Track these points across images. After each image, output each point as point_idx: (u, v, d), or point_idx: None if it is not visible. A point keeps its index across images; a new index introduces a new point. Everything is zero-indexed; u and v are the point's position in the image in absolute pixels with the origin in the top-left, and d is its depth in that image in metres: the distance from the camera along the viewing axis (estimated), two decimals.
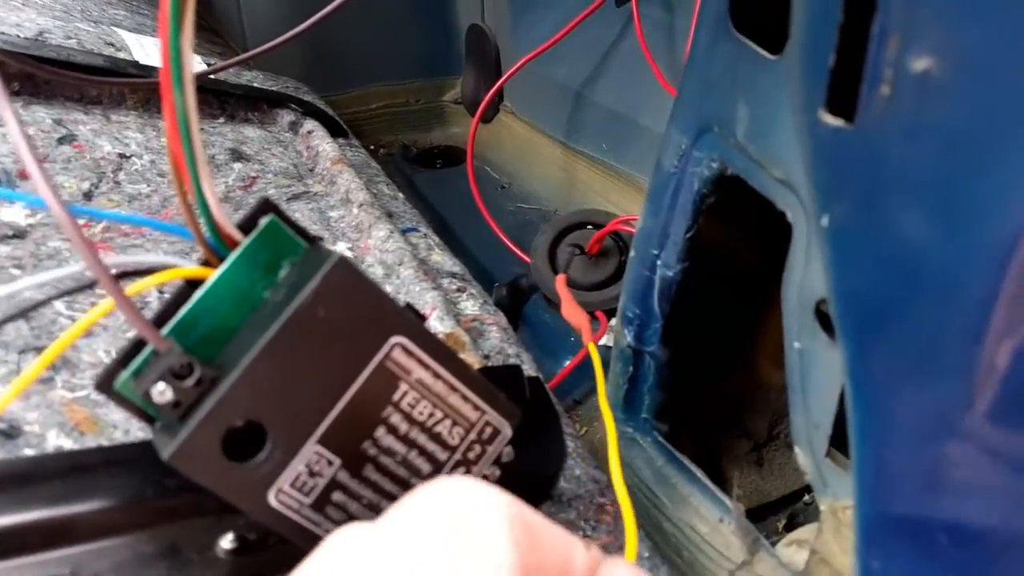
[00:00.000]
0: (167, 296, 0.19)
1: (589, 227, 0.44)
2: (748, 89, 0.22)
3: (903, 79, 0.14)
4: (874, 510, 0.17)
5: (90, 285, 0.23)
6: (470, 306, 0.35)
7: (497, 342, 0.33)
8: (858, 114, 0.15)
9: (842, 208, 0.16)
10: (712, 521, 0.27)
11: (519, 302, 0.44)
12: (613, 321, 0.37)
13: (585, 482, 0.28)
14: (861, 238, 0.16)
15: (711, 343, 0.30)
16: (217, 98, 0.46)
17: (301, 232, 0.18)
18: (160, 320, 0.17)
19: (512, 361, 0.32)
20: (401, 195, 0.44)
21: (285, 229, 0.18)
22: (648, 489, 0.30)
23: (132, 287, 0.18)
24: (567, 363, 0.38)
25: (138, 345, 0.17)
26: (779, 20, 0.18)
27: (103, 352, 0.27)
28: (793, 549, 0.25)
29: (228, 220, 0.18)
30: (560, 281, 0.36)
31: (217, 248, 0.18)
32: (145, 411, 0.17)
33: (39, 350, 0.26)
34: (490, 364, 0.32)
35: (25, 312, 0.22)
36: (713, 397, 0.32)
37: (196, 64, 0.49)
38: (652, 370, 0.29)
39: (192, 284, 0.18)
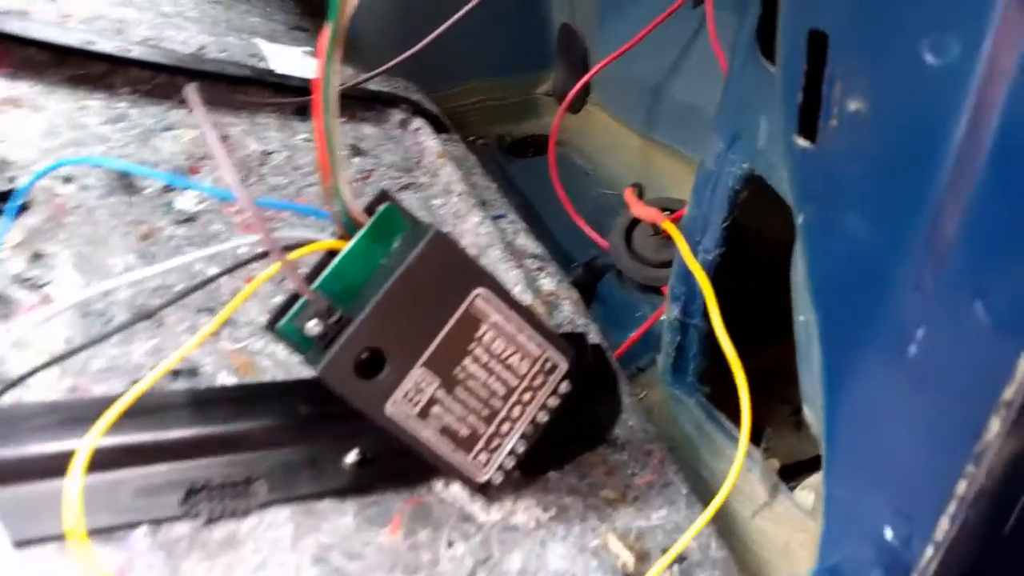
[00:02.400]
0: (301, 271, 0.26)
1: (665, 212, 0.49)
2: (768, 106, 0.26)
3: (844, 114, 0.18)
4: (834, 445, 0.21)
5: (247, 262, 0.30)
6: (548, 283, 0.41)
7: (569, 315, 0.39)
8: (818, 138, 0.20)
9: (810, 210, 0.21)
10: (742, 470, 0.32)
11: (594, 280, 0.49)
12: None
13: (637, 432, 0.33)
14: (822, 233, 0.20)
15: (748, 318, 0.34)
16: (343, 103, 0.54)
17: (409, 215, 0.25)
18: (309, 280, 0.24)
19: (581, 331, 0.38)
20: (494, 185, 0.50)
21: (398, 213, 0.24)
22: (690, 442, 0.35)
23: (292, 255, 0.25)
24: (632, 335, 0.43)
25: (294, 298, 0.24)
26: None
27: (255, 313, 0.35)
28: (806, 493, 0.30)
29: (356, 205, 0.24)
30: (628, 192, 0.41)
31: (348, 227, 0.24)
32: (298, 346, 0.24)
33: (211, 311, 0.34)
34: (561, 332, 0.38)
35: (202, 284, 0.30)
36: (754, 366, 0.36)
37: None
38: (696, 340, 0.34)
39: (330, 254, 0.25)
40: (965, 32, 0.14)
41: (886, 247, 0.18)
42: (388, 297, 0.24)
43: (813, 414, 0.27)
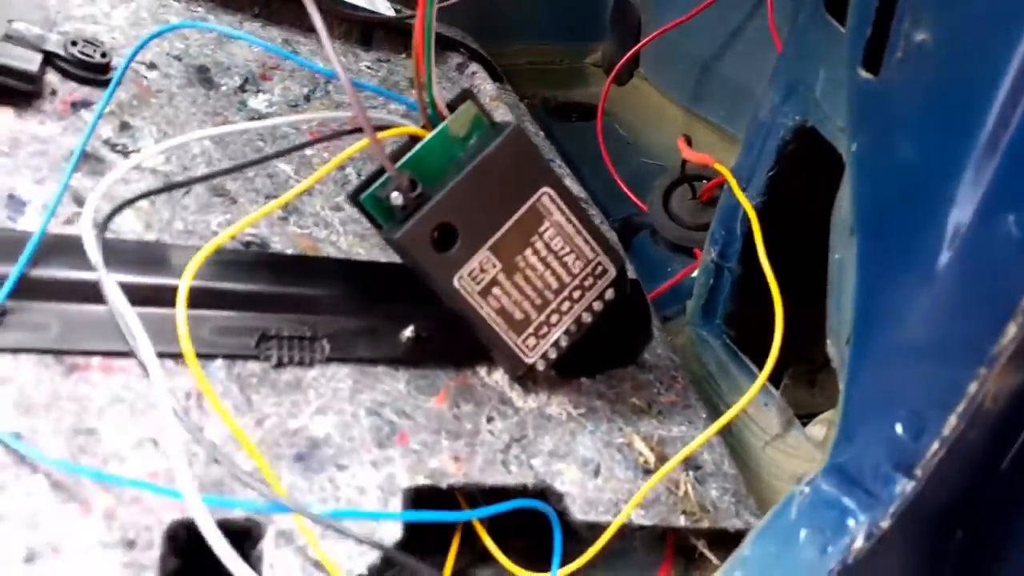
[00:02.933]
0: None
1: (704, 181, 0.51)
2: (828, 57, 0.29)
3: (909, 46, 0.21)
4: (858, 351, 0.24)
5: (333, 135, 0.33)
6: None
7: None
8: (881, 70, 0.22)
9: (865, 137, 0.23)
10: (758, 404, 0.35)
11: (629, 236, 0.52)
12: None
13: (664, 358, 0.36)
14: (874, 159, 0.23)
15: (782, 270, 0.37)
16: (402, 38, 0.56)
17: (487, 113, 0.27)
18: (393, 160, 0.27)
19: None
20: (542, 133, 0.53)
21: (478, 110, 0.27)
22: (712, 378, 0.37)
23: (381, 134, 0.27)
24: (663, 286, 0.46)
25: (378, 174, 0.27)
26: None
27: (319, 207, 0.37)
28: (819, 427, 0.33)
29: (442, 99, 0.27)
30: (680, 139, 0.44)
31: (433, 117, 0.27)
32: (378, 217, 0.27)
33: (277, 197, 0.37)
34: None
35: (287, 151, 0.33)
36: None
37: (385, 7, 0.59)
38: (728, 283, 0.37)
39: (414, 139, 0.27)
40: None
41: (934, 171, 0.21)
42: (466, 180, 0.26)
43: (836, 349, 0.29)
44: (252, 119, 0.42)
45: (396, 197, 0.26)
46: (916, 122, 0.21)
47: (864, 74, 0.23)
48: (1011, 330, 0.20)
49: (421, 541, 0.26)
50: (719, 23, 0.56)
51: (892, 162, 0.22)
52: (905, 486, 0.22)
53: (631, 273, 0.41)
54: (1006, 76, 0.19)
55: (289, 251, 0.34)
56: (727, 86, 0.55)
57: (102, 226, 0.27)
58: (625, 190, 0.55)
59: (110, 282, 0.24)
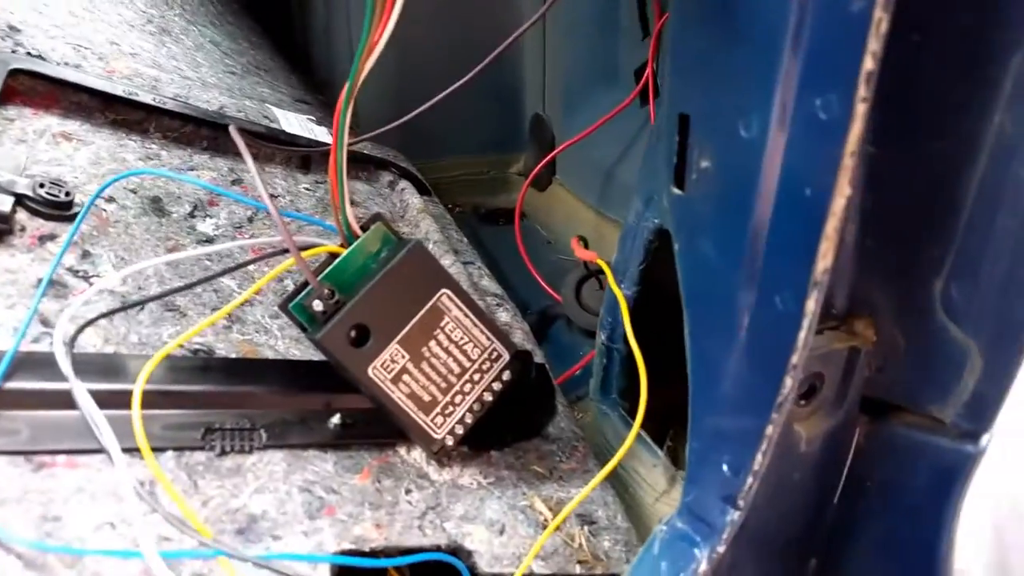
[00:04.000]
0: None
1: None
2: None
3: (698, 170, 0.28)
4: (694, 408, 0.30)
5: (266, 255, 0.39)
6: (504, 316, 0.50)
7: (520, 341, 0.48)
8: (685, 188, 0.29)
9: (681, 239, 0.30)
10: (648, 464, 0.40)
11: (547, 325, 0.58)
12: None
13: (567, 431, 0.42)
14: (688, 255, 0.30)
15: (661, 347, 0.43)
16: None
17: (395, 231, 0.34)
18: (316, 274, 0.33)
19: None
20: (466, 240, 0.60)
21: (387, 228, 0.33)
22: (611, 446, 0.43)
23: (306, 253, 0.33)
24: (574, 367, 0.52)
25: (302, 287, 0.33)
26: None
27: (259, 316, 0.43)
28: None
29: (355, 222, 0.33)
30: (574, 240, 0.51)
31: (348, 236, 0.33)
32: (303, 322, 0.33)
33: (219, 308, 0.42)
34: None
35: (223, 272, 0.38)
36: (660, 392, 0.45)
37: (324, 135, 0.67)
38: (618, 362, 0.43)
39: (333, 256, 0.33)
40: (758, 116, 0.24)
41: (725, 261, 0.28)
42: (376, 287, 0.32)
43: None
44: (201, 242, 0.48)
45: (318, 304, 0.32)
46: (710, 225, 0.28)
47: (675, 190, 0.30)
48: (787, 382, 0.26)
49: None
50: (619, 135, 0.65)
51: (699, 257, 0.29)
52: (732, 515, 0.28)
53: (539, 357, 0.47)
54: (757, 191, 0.25)
55: (232, 355, 0.39)
56: (627, 189, 0.63)
57: (70, 343, 0.32)
58: (543, 284, 0.61)
59: (81, 389, 0.29)
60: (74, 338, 0.33)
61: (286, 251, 0.35)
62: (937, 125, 0.25)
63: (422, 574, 0.33)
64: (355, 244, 0.33)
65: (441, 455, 0.35)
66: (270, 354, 0.40)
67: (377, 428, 0.35)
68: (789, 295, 0.25)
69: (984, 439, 0.27)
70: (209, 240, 0.48)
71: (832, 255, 0.23)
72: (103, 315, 0.34)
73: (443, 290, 0.33)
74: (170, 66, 0.71)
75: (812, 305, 0.24)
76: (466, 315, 0.34)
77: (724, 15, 0.26)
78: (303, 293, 0.33)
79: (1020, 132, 0.23)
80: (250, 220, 0.53)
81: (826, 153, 0.22)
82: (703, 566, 0.28)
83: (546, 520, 0.35)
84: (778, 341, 0.26)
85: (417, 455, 0.36)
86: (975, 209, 0.24)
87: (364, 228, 0.34)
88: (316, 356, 0.39)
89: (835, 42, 0.22)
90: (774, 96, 0.24)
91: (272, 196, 0.56)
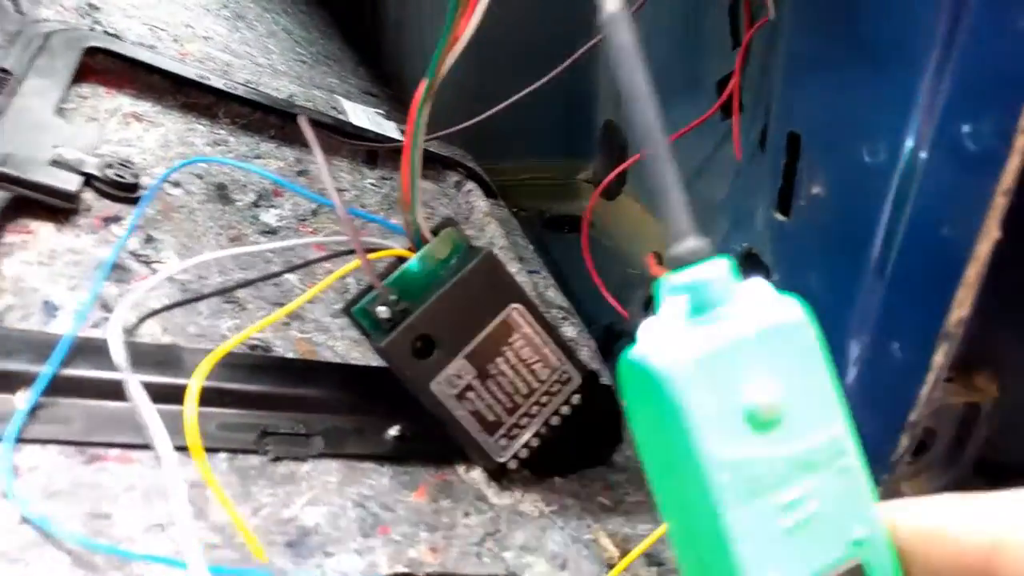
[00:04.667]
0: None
1: None
2: (764, 197, 0.34)
3: (808, 196, 0.26)
4: None
5: (330, 256, 0.38)
6: (570, 331, 0.48)
7: (586, 359, 0.46)
8: (791, 213, 0.27)
9: (782, 270, 0.28)
10: None
11: (612, 341, 0.56)
12: None
13: (634, 462, 0.40)
14: (787, 290, 0.27)
15: None
16: None
17: (466, 238, 0.32)
18: (381, 278, 0.31)
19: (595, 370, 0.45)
20: (532, 246, 0.58)
21: (458, 234, 0.32)
22: None
23: (372, 256, 0.32)
24: None
25: (367, 290, 0.31)
26: None
27: (319, 314, 0.42)
28: None
29: (426, 225, 0.32)
30: (650, 256, 0.48)
31: (417, 240, 0.32)
32: (365, 328, 0.31)
33: (283, 305, 0.41)
34: None
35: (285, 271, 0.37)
36: None
37: (392, 130, 0.66)
38: None
39: (400, 259, 0.32)
40: (889, 141, 0.22)
41: (834, 300, 0.25)
42: (444, 297, 0.31)
43: None
44: (263, 232, 0.47)
45: (383, 311, 0.30)
46: (818, 259, 0.26)
47: (779, 216, 0.28)
48: (903, 441, 0.24)
49: None
50: (696, 148, 0.62)
51: (802, 292, 0.27)
52: None
53: (606, 379, 0.45)
54: (879, 223, 0.23)
55: (290, 354, 0.38)
56: (701, 204, 0.61)
57: (129, 332, 0.31)
58: (609, 298, 0.59)
59: (134, 382, 0.28)
60: (134, 328, 0.32)
61: (352, 251, 0.34)
62: None
63: None
64: (424, 249, 0.32)
65: (503, 476, 0.33)
66: (328, 355, 0.39)
67: (437, 444, 0.34)
68: (910, 344, 0.23)
69: None
70: (272, 231, 0.48)
71: (970, 304, 0.21)
72: (166, 307, 0.33)
73: (514, 304, 0.32)
74: (242, 51, 0.71)
75: (940, 358, 0.21)
76: (537, 332, 0.32)
77: (852, 21, 0.24)
78: (368, 297, 0.31)
79: None
80: (314, 213, 0.52)
81: (972, 189, 0.20)
82: None
83: (611, 558, 0.33)
84: (893, 394, 0.24)
85: (476, 474, 0.34)
86: None
87: (434, 232, 0.32)
88: (376, 362, 0.38)
89: (995, 61, 0.20)
90: (911, 119, 0.21)
91: (338, 191, 0.55)
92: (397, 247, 0.33)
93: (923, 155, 0.21)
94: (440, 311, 0.31)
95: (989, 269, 0.25)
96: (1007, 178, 0.19)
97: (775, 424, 0.13)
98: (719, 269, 0.14)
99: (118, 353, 0.29)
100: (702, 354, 0.13)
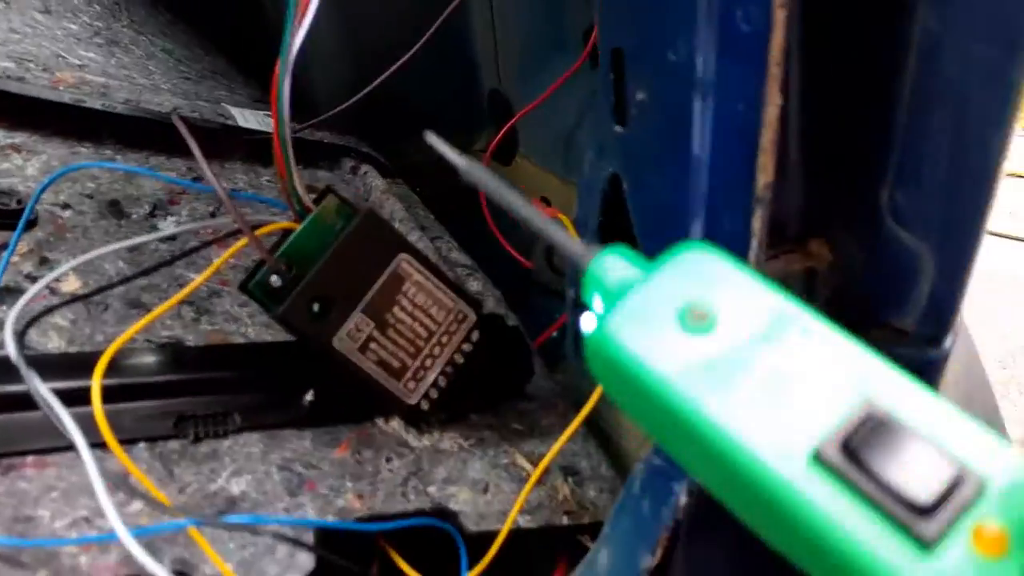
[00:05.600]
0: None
1: None
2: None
3: (636, 103, 0.28)
4: None
5: (222, 237, 0.38)
6: (476, 286, 0.50)
7: (492, 308, 0.47)
8: (627, 124, 0.29)
9: (629, 178, 0.30)
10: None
11: (522, 293, 0.58)
12: None
13: (545, 389, 0.42)
14: (637, 194, 0.29)
15: None
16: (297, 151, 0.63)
17: (348, 202, 0.33)
18: (272, 251, 0.32)
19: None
20: (432, 216, 0.59)
21: (339, 200, 0.33)
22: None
23: (259, 231, 0.33)
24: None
25: (259, 265, 0.32)
26: None
27: (228, 305, 0.42)
28: None
29: (307, 197, 0.33)
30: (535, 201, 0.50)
31: (301, 212, 0.33)
32: (263, 301, 0.32)
33: (191, 304, 0.42)
34: None
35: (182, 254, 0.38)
36: None
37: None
38: None
39: (288, 232, 0.33)
40: (685, 39, 0.24)
41: (673, 192, 0.27)
42: (332, 257, 0.32)
43: None
44: (163, 240, 0.47)
45: (275, 280, 0.31)
46: (654, 158, 0.28)
47: (617, 128, 0.29)
48: None
49: None
50: (575, 100, 0.64)
51: (648, 192, 0.29)
52: None
53: (512, 321, 0.47)
54: (693, 116, 0.25)
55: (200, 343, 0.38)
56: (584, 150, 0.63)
57: (19, 340, 0.31)
58: (513, 253, 0.61)
59: (39, 386, 0.29)
60: (22, 333, 0.32)
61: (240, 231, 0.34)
62: (862, 29, 0.24)
63: (412, 542, 0.33)
64: (308, 218, 0.33)
65: (418, 420, 0.35)
66: (241, 341, 0.39)
67: (352, 403, 0.35)
68: (736, 215, 0.25)
69: (947, 342, 0.27)
70: (172, 238, 0.47)
71: (772, 169, 0.23)
72: (54, 307, 0.33)
73: (401, 255, 0.33)
74: (120, 75, 0.70)
75: (758, 223, 0.24)
76: (427, 278, 0.33)
77: None
78: (261, 272, 0.32)
79: (945, 29, 0.23)
80: (212, 215, 0.52)
81: (752, 64, 0.22)
82: (682, 498, 0.28)
83: (528, 475, 0.35)
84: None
85: (396, 424, 0.36)
86: (910, 112, 0.24)
87: (316, 202, 0.33)
88: (286, 339, 0.39)
89: None
90: (697, 15, 0.23)
91: (234, 190, 0.55)
92: (284, 221, 0.34)
93: (712, 44, 0.23)
94: (330, 271, 0.32)
95: (801, 145, 0.27)
96: (776, 49, 0.21)
97: (710, 325, 0.15)
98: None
99: (17, 359, 0.30)
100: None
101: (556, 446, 0.34)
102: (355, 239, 0.32)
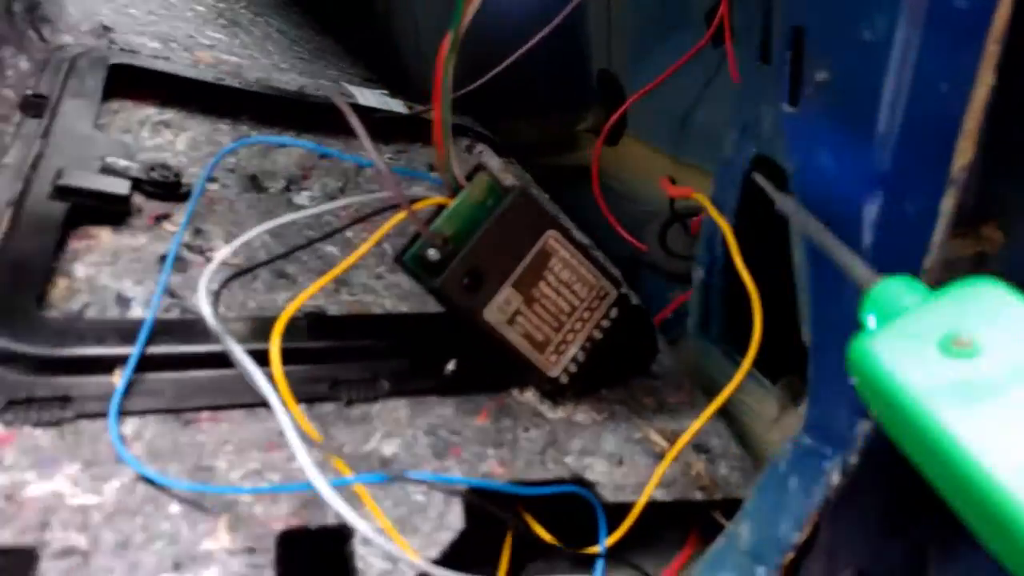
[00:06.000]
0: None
1: (692, 218, 0.57)
2: (767, 98, 0.35)
3: (814, 84, 0.27)
4: (815, 344, 0.29)
5: (375, 212, 0.40)
6: None
7: None
8: (799, 104, 0.28)
9: (796, 159, 0.29)
10: (757, 395, 0.40)
11: (634, 274, 0.58)
12: None
13: (670, 368, 0.41)
14: (804, 174, 0.29)
15: (760, 281, 0.42)
16: (415, 130, 0.64)
17: (497, 180, 0.34)
18: (426, 224, 0.33)
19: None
20: (547, 195, 0.60)
21: (490, 177, 0.33)
22: (716, 384, 0.42)
23: (415, 205, 0.34)
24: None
25: (415, 238, 0.33)
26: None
27: (364, 278, 0.44)
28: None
29: (460, 173, 0.33)
30: (664, 179, 0.50)
31: (454, 188, 0.33)
32: (416, 273, 0.33)
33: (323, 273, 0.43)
34: None
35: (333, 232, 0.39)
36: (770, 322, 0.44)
37: (399, 107, 0.67)
38: (717, 297, 0.42)
39: (440, 208, 0.33)
40: (886, 14, 0.23)
41: (851, 171, 0.27)
42: (487, 233, 0.32)
43: (806, 331, 0.34)
44: (302, 207, 0.49)
45: (432, 253, 0.32)
46: (827, 138, 0.27)
47: (788, 108, 0.29)
48: None
49: (473, 553, 0.31)
50: (691, 80, 0.63)
51: (819, 172, 0.28)
52: (864, 425, 0.27)
53: (635, 300, 0.47)
54: (885, 96, 0.24)
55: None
56: (704, 132, 0.62)
57: (214, 306, 0.33)
58: (625, 235, 0.61)
59: (237, 349, 0.30)
60: (215, 303, 0.34)
61: (387, 208, 0.36)
62: None
63: (545, 510, 0.33)
64: (462, 194, 0.33)
65: (556, 394, 0.35)
66: (378, 312, 0.41)
67: (491, 373, 0.36)
68: (921, 195, 0.24)
69: None
70: (335, 215, 0.49)
71: (972, 151, 0.22)
72: (230, 278, 0.35)
73: (550, 231, 0.33)
74: (245, 55, 0.72)
75: (949, 203, 0.23)
76: (572, 255, 0.34)
77: None
78: (417, 244, 0.33)
79: None
80: (341, 191, 0.54)
81: (967, 43, 0.21)
82: (835, 478, 0.27)
83: (663, 450, 0.35)
84: (909, 245, 0.25)
85: (530, 395, 0.36)
86: None
87: (468, 179, 0.34)
88: (423, 311, 0.40)
89: None
90: None
91: (359, 167, 0.57)
92: (437, 197, 0.35)
93: (919, 20, 0.22)
94: (485, 246, 0.32)
95: (988, 121, 0.26)
96: (998, 27, 0.20)
97: (973, 352, 0.15)
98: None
99: (214, 325, 0.31)
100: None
101: (696, 424, 0.34)
102: (508, 215, 0.32)
